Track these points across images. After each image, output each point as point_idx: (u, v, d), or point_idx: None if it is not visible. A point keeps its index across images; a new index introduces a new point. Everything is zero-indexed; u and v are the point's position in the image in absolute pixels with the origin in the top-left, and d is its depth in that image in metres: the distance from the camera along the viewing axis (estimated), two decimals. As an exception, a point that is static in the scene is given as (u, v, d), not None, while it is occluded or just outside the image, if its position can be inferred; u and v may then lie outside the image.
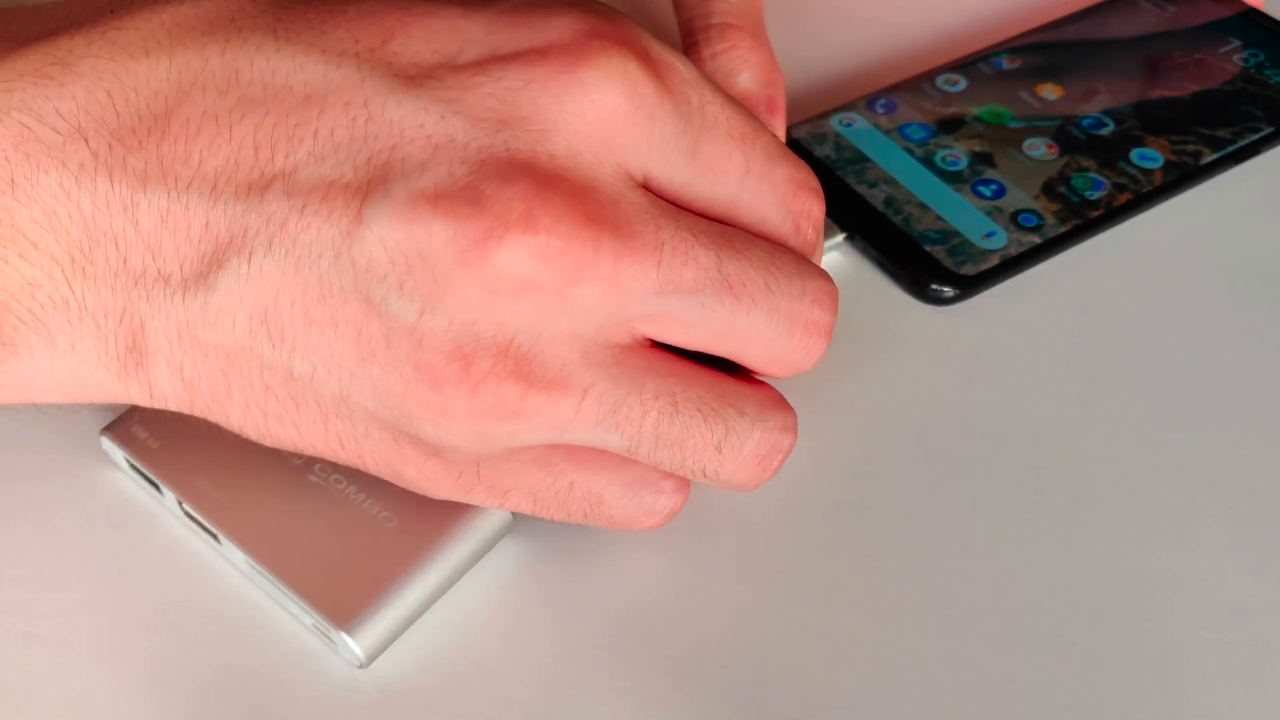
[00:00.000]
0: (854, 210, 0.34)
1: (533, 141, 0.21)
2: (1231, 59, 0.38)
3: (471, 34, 0.21)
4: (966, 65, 0.38)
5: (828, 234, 0.33)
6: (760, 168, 0.23)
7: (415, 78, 0.21)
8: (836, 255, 0.34)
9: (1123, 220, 0.34)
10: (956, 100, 0.37)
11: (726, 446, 0.23)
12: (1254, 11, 0.40)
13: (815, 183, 0.24)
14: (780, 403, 0.24)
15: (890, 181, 0.34)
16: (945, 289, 0.32)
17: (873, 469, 0.29)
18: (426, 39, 0.21)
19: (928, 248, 0.33)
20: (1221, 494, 0.29)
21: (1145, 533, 0.28)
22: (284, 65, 0.21)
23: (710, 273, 0.22)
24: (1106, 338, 0.32)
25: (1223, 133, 0.36)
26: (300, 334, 0.21)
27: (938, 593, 0.27)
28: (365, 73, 0.21)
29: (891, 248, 0.33)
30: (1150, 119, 0.36)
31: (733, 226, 0.23)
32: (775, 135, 0.25)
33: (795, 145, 0.35)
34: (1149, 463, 0.29)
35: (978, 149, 0.35)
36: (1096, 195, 0.34)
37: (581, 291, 0.21)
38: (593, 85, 0.21)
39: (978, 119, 0.36)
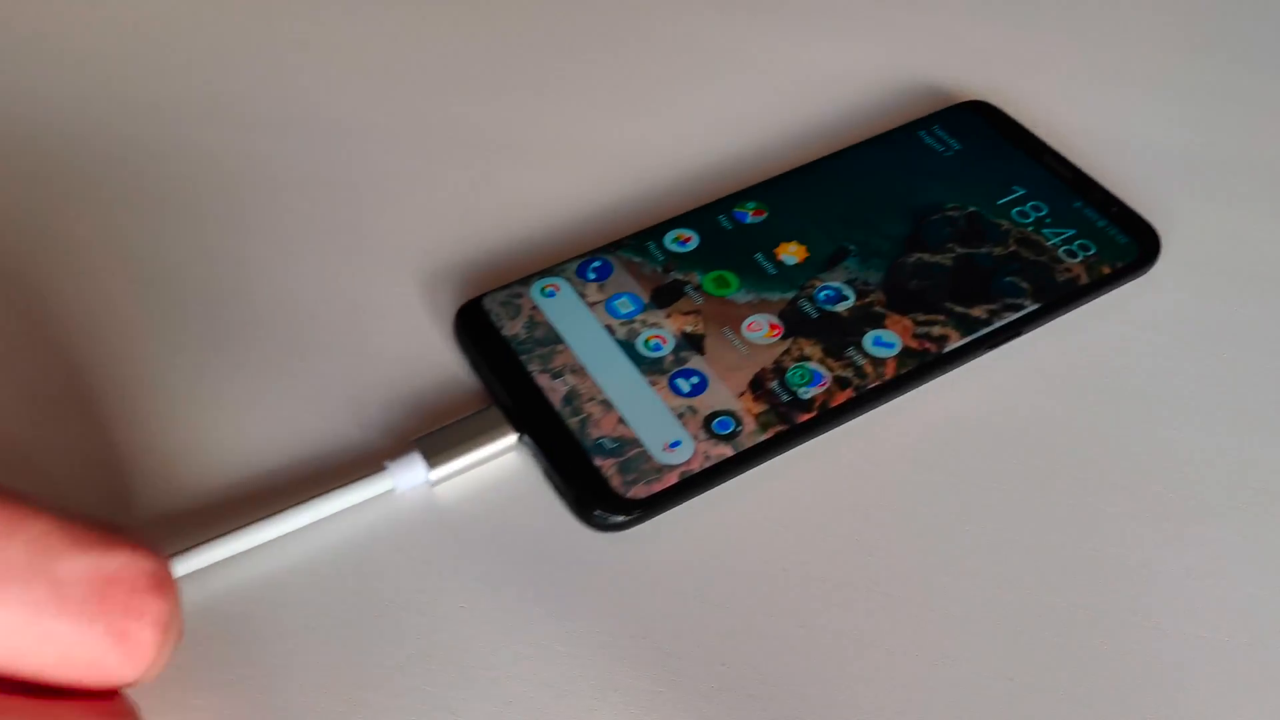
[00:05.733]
0: (531, 406, 0.29)
1: None
2: (1009, 213, 0.34)
3: None
4: (705, 217, 0.34)
5: (499, 433, 0.29)
6: None
7: None
8: (511, 459, 0.29)
9: (836, 425, 0.29)
10: (682, 263, 0.32)
11: None
12: (1051, 154, 0.35)
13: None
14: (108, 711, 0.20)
15: (579, 371, 0.30)
16: (609, 515, 0.27)
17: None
18: None
19: (598, 460, 0.28)
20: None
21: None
22: None
23: None
24: (803, 566, 0.27)
25: (978, 311, 0.31)
26: None
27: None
28: None
29: (560, 457, 0.28)
30: (899, 291, 0.32)
31: None
32: None
33: (485, 319, 0.31)
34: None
35: (689, 329, 0.31)
36: (811, 393, 0.29)
37: None
38: None
39: (699, 288, 0.32)
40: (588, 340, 0.30)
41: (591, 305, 0.31)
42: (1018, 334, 0.31)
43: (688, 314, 0.31)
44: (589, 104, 0.38)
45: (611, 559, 0.28)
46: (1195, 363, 0.32)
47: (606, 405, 0.29)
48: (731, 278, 0.32)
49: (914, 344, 0.31)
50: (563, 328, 0.31)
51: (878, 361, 0.30)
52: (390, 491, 0.28)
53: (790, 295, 0.32)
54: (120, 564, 0.20)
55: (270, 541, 0.27)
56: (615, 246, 0.33)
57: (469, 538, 0.28)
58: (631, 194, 0.35)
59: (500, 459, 0.29)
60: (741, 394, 0.29)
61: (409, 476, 0.28)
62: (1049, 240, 0.33)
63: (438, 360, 0.31)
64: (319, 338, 0.32)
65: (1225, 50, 0.42)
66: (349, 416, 0.30)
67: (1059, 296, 0.32)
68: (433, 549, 0.28)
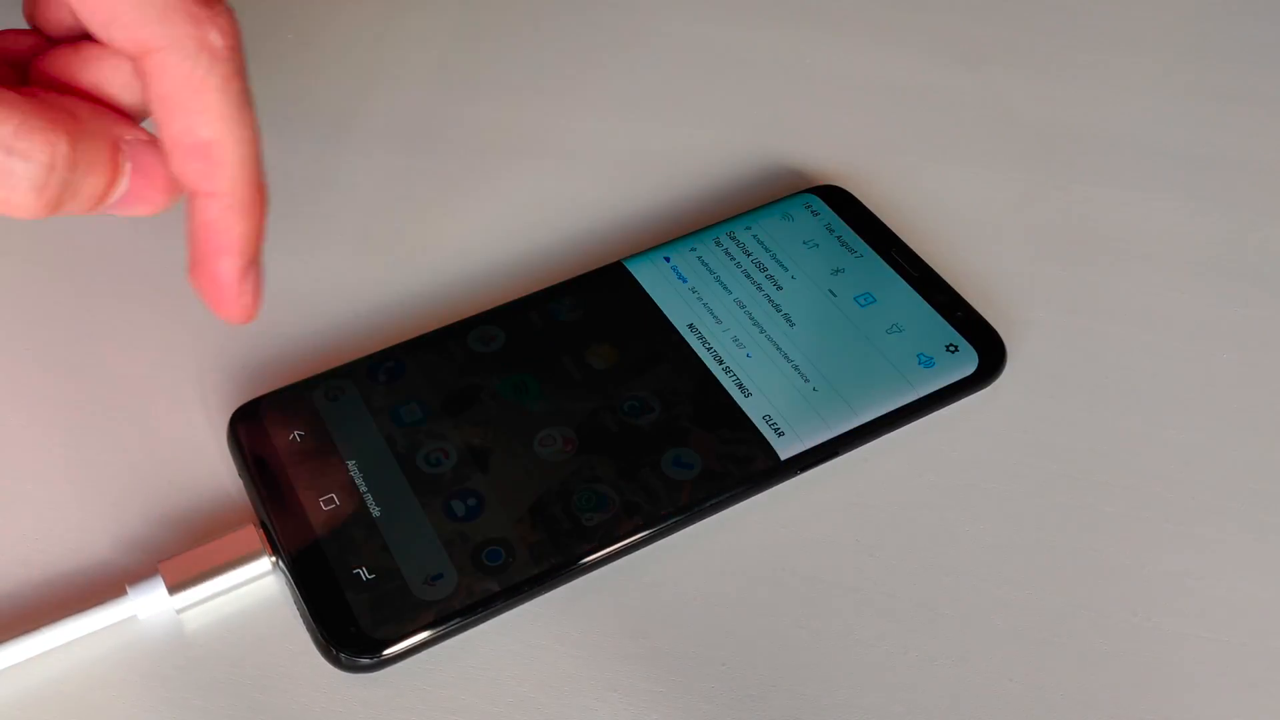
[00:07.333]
0: (292, 527, 0.27)
1: None
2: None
3: None
4: (516, 313, 0.31)
5: (252, 557, 0.27)
6: None
7: None
8: (267, 584, 0.27)
9: (618, 558, 0.27)
10: (483, 364, 0.30)
11: None
12: (900, 247, 0.33)
13: None
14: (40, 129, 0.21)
15: (347, 489, 0.28)
16: (353, 657, 0.25)
17: None
18: None
19: (350, 594, 0.26)
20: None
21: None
22: None
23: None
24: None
25: (792, 427, 0.29)
26: None
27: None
28: None
29: (311, 587, 0.26)
30: (709, 404, 0.29)
31: None
32: None
33: (260, 424, 0.29)
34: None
35: (476, 441, 0.29)
36: (595, 521, 0.27)
37: None
38: None
39: (496, 394, 0.30)
40: (365, 453, 0.28)
41: (376, 412, 0.29)
42: (834, 454, 0.29)
43: (478, 424, 0.29)
44: (410, 185, 0.36)
45: (356, 701, 0.25)
46: (1030, 487, 0.29)
47: (371, 530, 0.27)
48: (532, 383, 0.30)
49: (717, 465, 0.28)
50: (340, 438, 0.29)
51: (674, 485, 0.28)
52: (134, 618, 0.26)
53: (591, 405, 0.29)
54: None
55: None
56: (413, 345, 0.31)
57: (209, 675, 0.26)
58: (451, 281, 0.33)
59: (254, 584, 0.27)
60: (519, 520, 0.27)
61: (150, 603, 0.26)
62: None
63: (213, 469, 0.29)
64: (84, 437, 0.30)
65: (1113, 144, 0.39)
66: (105, 529, 0.28)
67: (883, 412, 0.29)
68: (169, 686, 0.26)
